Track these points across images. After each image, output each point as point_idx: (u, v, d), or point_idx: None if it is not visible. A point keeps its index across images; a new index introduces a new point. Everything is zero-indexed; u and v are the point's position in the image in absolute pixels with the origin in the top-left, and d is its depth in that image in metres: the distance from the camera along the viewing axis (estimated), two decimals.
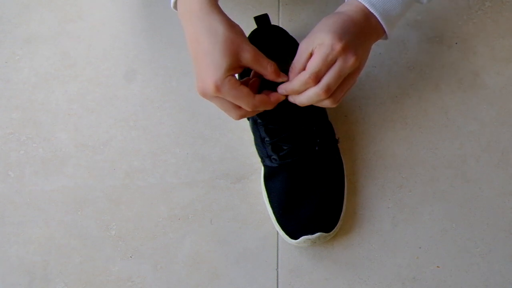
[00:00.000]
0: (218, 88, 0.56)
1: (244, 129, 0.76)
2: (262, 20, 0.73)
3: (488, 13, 0.82)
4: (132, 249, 0.72)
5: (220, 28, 0.57)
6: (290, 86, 0.59)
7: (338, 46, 0.56)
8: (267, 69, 0.58)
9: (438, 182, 0.74)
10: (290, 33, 0.75)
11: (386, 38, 0.63)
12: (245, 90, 0.57)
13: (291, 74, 0.60)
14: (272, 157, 0.69)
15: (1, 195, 0.75)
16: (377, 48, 0.80)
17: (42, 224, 0.73)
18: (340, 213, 0.70)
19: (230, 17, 0.59)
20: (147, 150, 0.76)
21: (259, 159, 0.74)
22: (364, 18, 0.60)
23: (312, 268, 0.71)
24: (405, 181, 0.74)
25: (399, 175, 0.75)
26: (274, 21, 0.81)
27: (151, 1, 0.84)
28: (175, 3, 0.61)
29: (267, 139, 0.69)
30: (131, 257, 0.72)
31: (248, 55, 0.57)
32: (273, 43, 0.73)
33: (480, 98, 0.78)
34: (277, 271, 0.71)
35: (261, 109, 0.60)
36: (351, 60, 0.57)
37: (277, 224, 0.70)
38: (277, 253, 0.72)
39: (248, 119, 0.72)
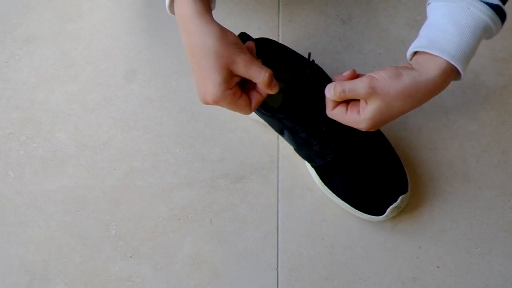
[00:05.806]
0: (216, 102, 0.57)
1: (244, 129, 0.76)
2: (243, 38, 0.69)
3: None
4: (132, 249, 0.72)
5: (210, 41, 0.55)
6: (327, 108, 0.62)
7: (367, 128, 0.60)
8: (260, 78, 0.57)
9: (438, 182, 0.74)
10: (290, 33, 0.74)
11: (458, 79, 0.60)
12: (242, 103, 0.58)
13: (336, 86, 0.60)
14: (324, 153, 0.69)
15: (1, 195, 0.75)
16: (377, 48, 0.80)
17: (42, 224, 0.73)
18: (405, 171, 0.71)
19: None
20: (147, 150, 0.76)
21: (259, 159, 0.73)
22: (440, 78, 0.57)
23: (312, 268, 0.71)
24: None
25: None
26: (274, 21, 0.81)
27: (151, 1, 0.84)
28: (170, 6, 0.60)
29: (312, 140, 0.69)
30: (131, 257, 0.72)
31: (239, 65, 0.56)
32: (262, 56, 0.71)
33: (480, 98, 0.78)
34: (277, 271, 0.71)
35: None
36: (371, 130, 0.61)
37: (357, 211, 0.70)
38: (277, 253, 0.72)
39: (283, 134, 0.72)
